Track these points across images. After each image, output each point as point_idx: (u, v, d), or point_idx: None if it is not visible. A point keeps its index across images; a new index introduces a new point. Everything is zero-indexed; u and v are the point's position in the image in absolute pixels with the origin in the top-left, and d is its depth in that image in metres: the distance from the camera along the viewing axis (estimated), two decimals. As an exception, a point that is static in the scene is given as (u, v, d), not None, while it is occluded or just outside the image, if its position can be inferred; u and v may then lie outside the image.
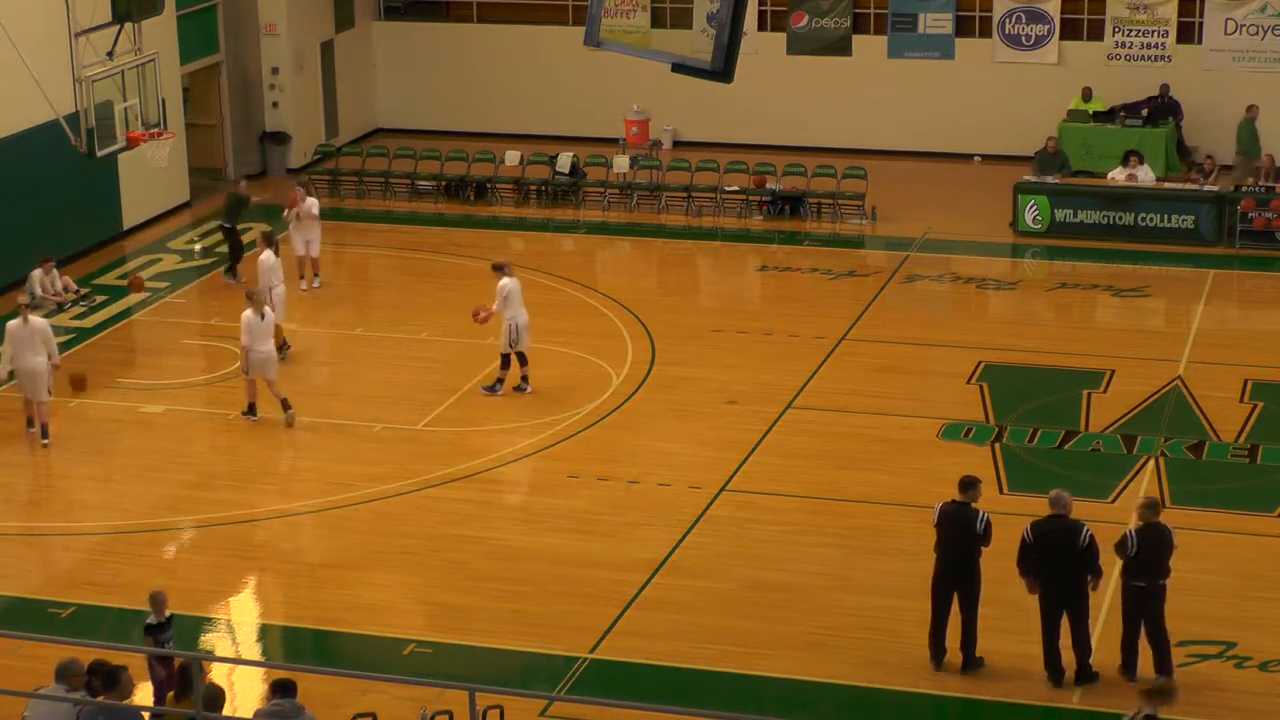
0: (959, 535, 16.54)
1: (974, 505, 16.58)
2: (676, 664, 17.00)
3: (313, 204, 27.49)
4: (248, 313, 22.30)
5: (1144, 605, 16.29)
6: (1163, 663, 16.39)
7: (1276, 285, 27.80)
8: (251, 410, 22.59)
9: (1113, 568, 16.84)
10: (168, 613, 15.76)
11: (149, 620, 15.74)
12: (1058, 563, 16.26)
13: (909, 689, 16.55)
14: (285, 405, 22.43)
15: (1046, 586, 16.39)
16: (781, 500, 20.40)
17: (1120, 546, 16.30)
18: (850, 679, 16.72)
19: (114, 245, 29.76)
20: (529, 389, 23.30)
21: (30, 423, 22.21)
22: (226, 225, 27.96)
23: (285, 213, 27.48)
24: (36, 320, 22.10)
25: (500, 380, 23.30)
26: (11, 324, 22.01)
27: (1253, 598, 18.09)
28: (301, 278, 27.42)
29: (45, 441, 21.94)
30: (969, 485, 16.71)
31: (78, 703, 12.91)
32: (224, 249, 28.27)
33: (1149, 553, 16.18)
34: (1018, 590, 16.72)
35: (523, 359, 23.36)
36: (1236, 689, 16.19)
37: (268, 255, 24.46)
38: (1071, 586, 16.26)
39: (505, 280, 23.12)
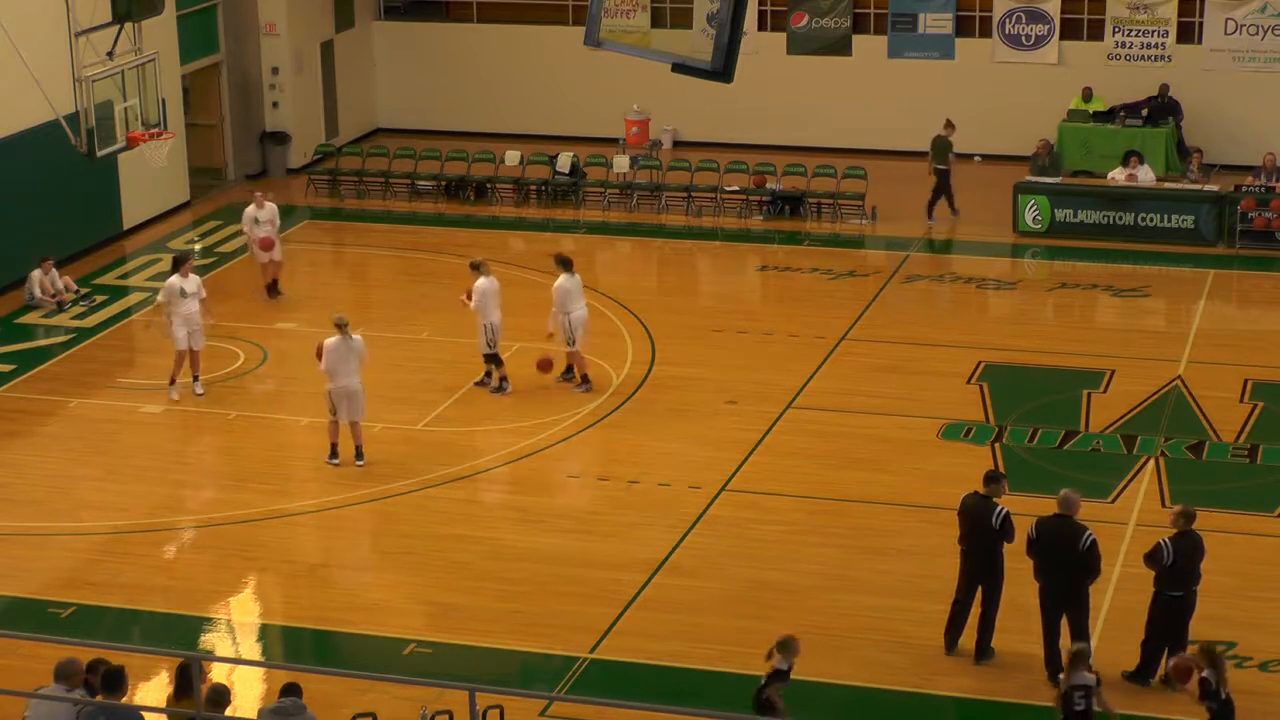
0: (975, 527, 16.59)
1: (995, 500, 16.60)
2: (676, 664, 17.01)
3: (195, 282, 23.39)
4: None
5: (1179, 616, 16.21)
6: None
7: (1276, 285, 27.78)
8: None
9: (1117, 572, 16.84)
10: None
11: (780, 666, 14.71)
12: (1059, 563, 16.23)
13: (908, 689, 16.55)
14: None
15: (1047, 587, 16.38)
16: (781, 500, 20.38)
17: (1154, 557, 16.13)
18: (850, 679, 16.72)
19: (114, 245, 29.75)
20: (509, 389, 23.27)
21: None
22: (940, 168, 30.36)
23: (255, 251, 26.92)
24: None
25: (503, 378, 23.26)
26: None
27: (1253, 598, 18.08)
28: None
29: None
30: (992, 479, 16.75)
31: (78, 703, 12.91)
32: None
33: (1185, 561, 16.09)
34: (1019, 590, 16.72)
35: (498, 360, 23.32)
36: (1236, 689, 16.09)
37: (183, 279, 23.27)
38: (1072, 587, 16.24)
39: (482, 280, 23.07)
